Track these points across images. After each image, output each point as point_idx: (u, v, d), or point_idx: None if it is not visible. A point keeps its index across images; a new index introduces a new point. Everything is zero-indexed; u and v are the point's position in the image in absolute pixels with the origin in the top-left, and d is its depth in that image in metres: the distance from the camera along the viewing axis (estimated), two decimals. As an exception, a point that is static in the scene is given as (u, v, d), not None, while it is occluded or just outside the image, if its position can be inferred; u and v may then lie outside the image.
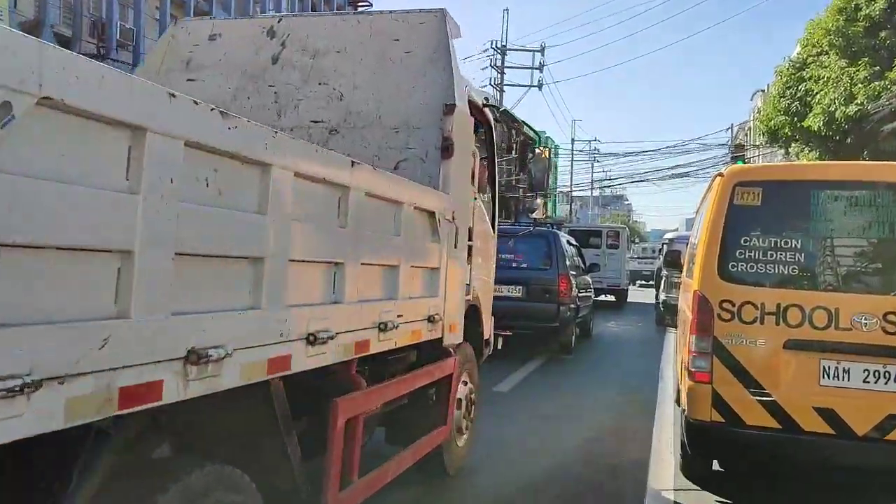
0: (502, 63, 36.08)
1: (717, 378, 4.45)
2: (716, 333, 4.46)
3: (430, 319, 3.83)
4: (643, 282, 33.86)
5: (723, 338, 4.45)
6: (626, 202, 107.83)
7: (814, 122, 17.89)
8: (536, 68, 36.42)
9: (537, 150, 6.22)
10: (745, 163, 21.30)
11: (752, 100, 35.53)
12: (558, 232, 11.83)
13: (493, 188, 6.00)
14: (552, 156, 7.55)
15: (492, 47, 36.67)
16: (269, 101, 4.52)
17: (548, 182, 6.74)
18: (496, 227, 6.08)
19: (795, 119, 18.66)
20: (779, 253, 4.42)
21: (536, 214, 5.91)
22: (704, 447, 4.63)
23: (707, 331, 4.49)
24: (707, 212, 4.68)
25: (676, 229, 42.62)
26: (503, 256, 10.13)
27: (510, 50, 37.01)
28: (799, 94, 18.73)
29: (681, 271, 8.92)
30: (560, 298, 10.41)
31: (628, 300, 23.32)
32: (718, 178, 4.70)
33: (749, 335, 4.40)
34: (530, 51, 36.96)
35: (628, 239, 27.31)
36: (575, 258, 12.20)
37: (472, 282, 5.05)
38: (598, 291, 15.38)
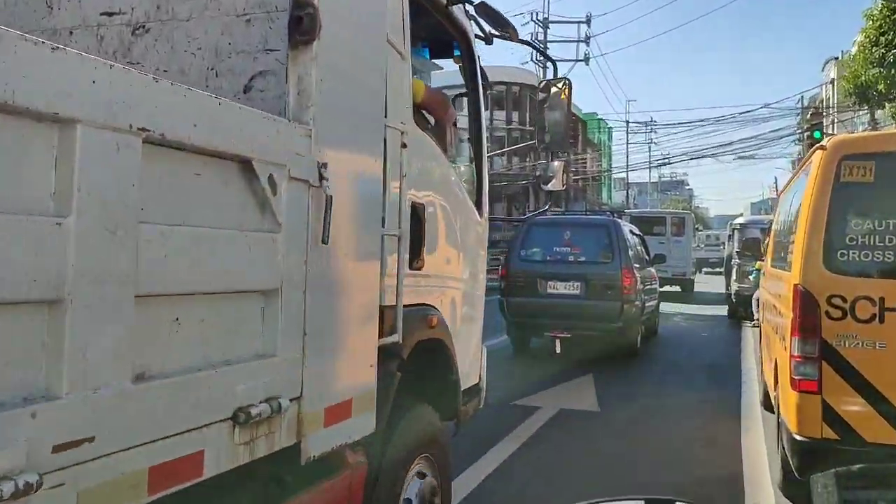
0: (545, 37, 33.79)
1: (827, 387, 3.83)
2: (824, 335, 3.84)
3: (242, 417, 1.74)
4: (709, 269, 33.23)
5: (833, 340, 3.82)
6: (688, 187, 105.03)
7: None
8: (582, 41, 34.19)
9: (552, 89, 3.86)
10: (823, 134, 19.34)
11: (823, 70, 33.33)
12: (620, 220, 10.86)
13: (479, 143, 3.84)
14: (571, 95, 3.70)
15: (533, 20, 34.22)
16: None
17: (567, 135, 3.90)
18: (486, 206, 3.85)
19: (893, 70, 15.37)
20: (899, 237, 3.76)
21: (552, 186, 4.03)
22: (815, 469, 3.99)
23: (813, 332, 3.87)
24: (807, 192, 4.04)
25: (741, 214, 41.17)
26: (557, 249, 9.84)
27: (553, 22, 34.74)
28: None
29: (761, 260, 8.23)
30: (624, 295, 9.41)
31: (695, 290, 22.38)
32: (820, 152, 4.05)
33: (866, 336, 3.77)
34: (575, 22, 34.74)
35: (694, 226, 26.27)
36: (639, 249, 11.22)
37: (433, 300, 3.11)
38: (663, 282, 14.48)
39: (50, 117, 1.27)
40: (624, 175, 51.51)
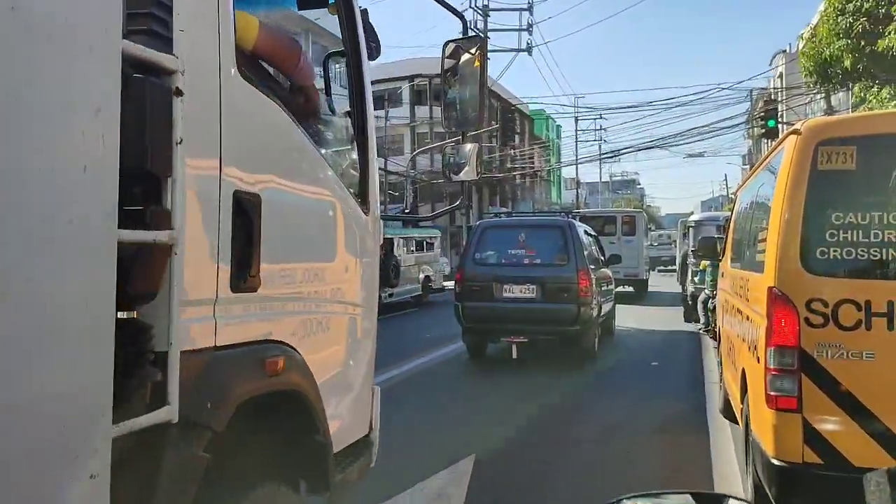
0: (485, 25, 32.77)
1: (808, 404, 3.39)
2: (803, 344, 3.40)
3: None
4: (662, 268, 33.69)
5: (813, 350, 3.39)
6: (639, 186, 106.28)
7: None
8: (524, 29, 33.21)
9: (462, 54, 3.02)
10: (777, 122, 18.11)
11: (771, 63, 33.38)
12: (575, 221, 10.62)
13: (363, 117, 2.86)
14: (486, 63, 3.21)
15: (472, 6, 32.90)
16: None
17: (482, 112, 3.15)
18: (375, 200, 2.90)
19: (863, 42, 13.21)
20: (886, 232, 3.34)
21: (465, 175, 3.20)
22: (797, 498, 3.54)
23: (791, 341, 3.43)
24: (780, 182, 3.60)
25: (692, 213, 41.73)
26: (511, 252, 9.66)
27: (493, 10, 33.70)
28: (868, 6, 13.30)
29: (718, 260, 7.85)
30: (580, 298, 9.26)
31: (649, 289, 22.24)
32: (793, 137, 3.62)
33: (851, 345, 3.34)
34: (516, 9, 33.60)
35: (646, 224, 26.20)
36: (594, 250, 11.11)
37: (282, 333, 2.15)
38: (616, 283, 14.23)
39: None
40: (574, 174, 51.46)
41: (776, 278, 3.50)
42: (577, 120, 46.61)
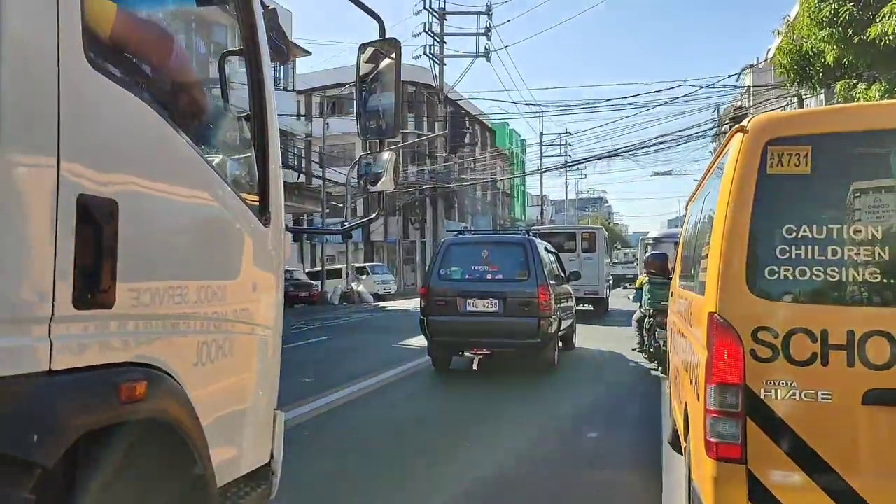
0: (441, 29, 32.39)
1: (753, 454, 2.86)
2: (748, 381, 2.88)
3: None
4: (627, 285, 33.98)
5: (760, 388, 2.86)
6: (606, 204, 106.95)
7: (891, 24, 10.35)
8: (482, 34, 32.58)
9: (382, 59, 2.85)
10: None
11: (738, 80, 33.10)
12: (535, 239, 11.21)
13: (263, 121, 2.64)
14: (400, 59, 2.85)
15: (426, 8, 32.42)
16: None
17: (399, 119, 2.91)
18: (278, 208, 2.72)
19: (850, 32, 11.76)
20: (846, 249, 2.83)
21: (385, 185, 2.93)
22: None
23: (734, 377, 2.90)
24: (723, 188, 3.08)
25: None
26: (475, 268, 10.28)
27: (450, 14, 33.33)
28: None
29: (669, 278, 7.35)
30: (541, 312, 9.77)
31: (609, 308, 21.87)
32: (738, 136, 3.10)
33: (804, 383, 2.82)
34: (474, 13, 33.55)
35: (606, 241, 25.96)
36: (554, 266, 11.73)
37: (161, 351, 1.97)
38: (576, 301, 14.09)
39: None
40: (539, 189, 51.19)
41: (717, 302, 2.97)
42: (541, 135, 46.29)
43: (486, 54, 32.70)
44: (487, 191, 47.56)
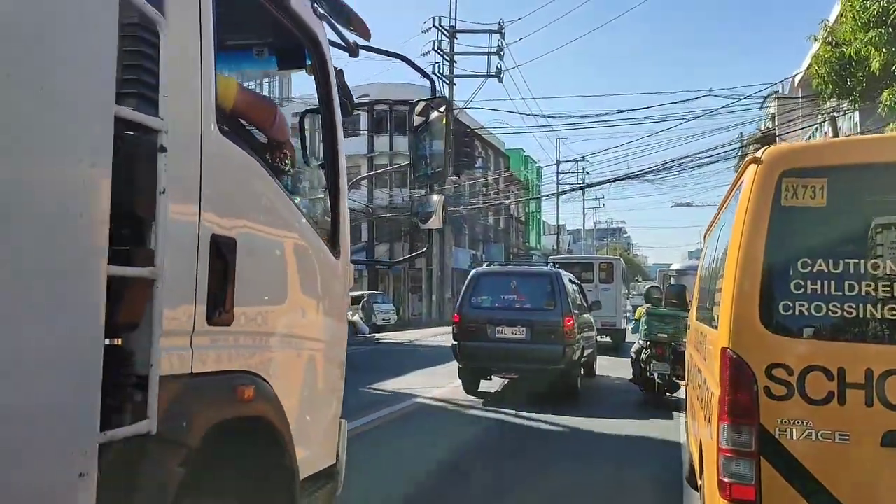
0: (451, 48, 30.90)
1: (768, 496, 2.80)
2: (762, 420, 2.82)
3: None
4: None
5: (775, 428, 2.80)
6: (626, 235, 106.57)
7: None
8: (494, 53, 30.99)
9: (432, 112, 3.43)
10: None
11: (762, 107, 32.03)
12: (561, 271, 12.01)
13: (336, 169, 3.20)
14: (451, 118, 3.62)
15: (436, 26, 30.75)
16: None
17: (448, 167, 3.46)
18: (346, 244, 3.22)
19: None
20: (864, 284, 2.77)
21: (431, 224, 3.58)
22: None
23: (747, 416, 2.84)
24: (737, 221, 3.04)
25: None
26: (504, 297, 11.13)
27: (460, 31, 31.57)
28: None
29: (686, 311, 7.28)
30: (566, 339, 10.51)
31: (626, 339, 21.67)
32: (753, 167, 3.07)
33: (821, 423, 2.75)
34: (485, 32, 31.38)
35: (625, 272, 25.79)
36: (577, 296, 12.36)
37: (253, 365, 2.40)
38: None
39: None
40: (556, 217, 50.88)
41: (731, 337, 2.92)
42: (558, 162, 45.86)
43: (499, 74, 31.03)
44: (500, 217, 47.08)
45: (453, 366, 11.63)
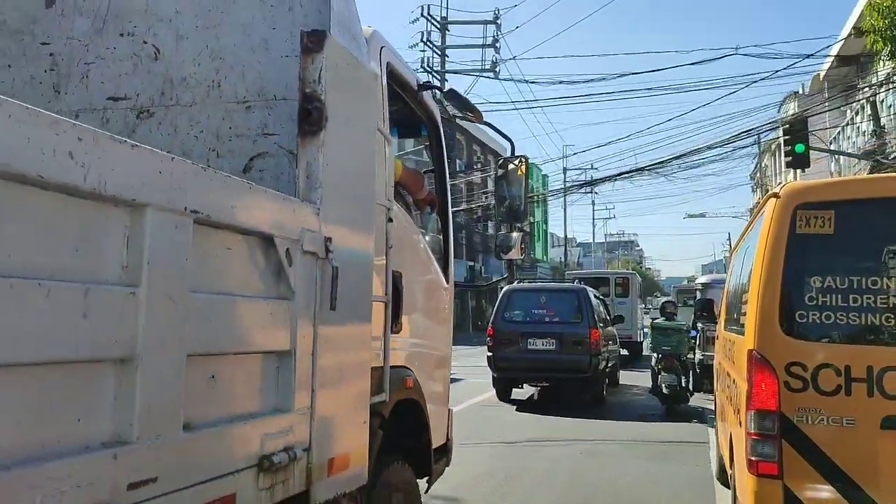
0: (443, 41, 28.23)
1: (789, 471, 3.47)
2: (783, 409, 3.50)
3: (266, 464, 2.04)
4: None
5: (794, 415, 3.48)
6: (637, 248, 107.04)
7: None
8: (489, 46, 28.17)
9: (510, 165, 4.48)
10: (807, 148, 14.81)
11: (779, 111, 30.06)
12: (587, 287, 13.45)
13: (446, 215, 4.35)
14: (528, 170, 4.43)
15: (424, 15, 28.06)
16: (42, 69, 2.92)
17: (526, 208, 4.46)
18: (451, 273, 4.34)
19: None
20: (864, 297, 3.47)
21: (513, 255, 4.77)
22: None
23: (771, 405, 3.53)
24: (760, 245, 3.76)
25: (693, 277, 41.57)
26: (535, 311, 12.36)
27: (452, 23, 28.84)
28: None
29: (715, 323, 7.97)
30: (592, 350, 11.58)
31: (644, 353, 22.29)
32: (772, 201, 3.79)
33: (831, 411, 3.43)
34: (480, 23, 28.75)
35: (640, 286, 26.41)
36: (601, 310, 13.48)
37: (408, 362, 3.48)
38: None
39: (127, 203, 1.55)
40: (564, 223, 50.04)
41: (756, 341, 3.62)
42: (565, 171, 44.93)
43: (494, 68, 28.20)
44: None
45: (473, 378, 12.85)
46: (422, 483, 3.77)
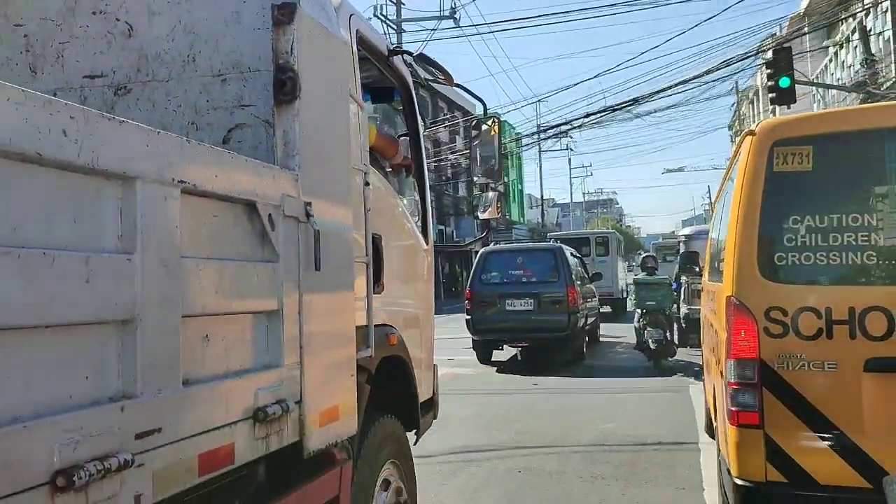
0: None
1: (770, 419, 3.37)
2: (763, 356, 3.39)
3: (261, 416, 2.22)
4: None
5: (774, 361, 3.37)
6: (617, 205, 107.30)
7: None
8: None
9: (483, 125, 4.38)
10: (793, 82, 14.27)
11: (757, 55, 29.44)
12: (563, 246, 13.44)
13: (422, 179, 4.47)
14: (501, 129, 4.66)
15: None
16: (18, 51, 2.98)
17: (500, 168, 4.30)
18: (431, 234, 4.48)
19: None
20: (845, 235, 3.34)
21: (488, 214, 4.55)
22: (761, 520, 3.50)
23: (750, 352, 3.41)
24: (737, 186, 3.61)
25: (673, 232, 41.74)
26: (512, 272, 12.46)
27: None
28: None
29: (700, 276, 7.89)
30: (570, 309, 11.73)
31: (627, 309, 22.43)
32: (749, 139, 3.63)
33: (812, 355, 3.32)
34: None
35: (620, 244, 26.47)
36: (579, 269, 13.65)
37: (392, 320, 3.60)
38: (592, 301, 15.17)
39: (119, 176, 1.69)
40: (539, 180, 49.09)
41: (734, 287, 3.49)
42: (539, 130, 44.27)
43: (453, 14, 26.92)
44: (474, 188, 45.69)
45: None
46: (410, 436, 3.97)
